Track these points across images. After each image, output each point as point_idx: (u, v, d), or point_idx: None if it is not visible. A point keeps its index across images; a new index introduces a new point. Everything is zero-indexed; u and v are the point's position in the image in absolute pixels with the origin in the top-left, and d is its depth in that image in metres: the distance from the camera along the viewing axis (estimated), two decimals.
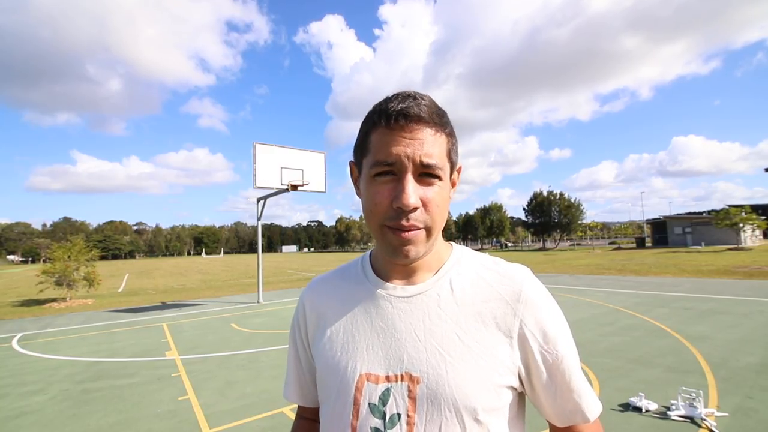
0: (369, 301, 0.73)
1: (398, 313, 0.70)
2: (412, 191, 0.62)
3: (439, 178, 0.65)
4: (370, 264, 0.79)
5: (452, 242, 0.80)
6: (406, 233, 0.64)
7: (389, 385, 0.66)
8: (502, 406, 0.66)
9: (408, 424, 0.63)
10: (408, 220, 0.63)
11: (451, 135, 0.69)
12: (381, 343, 0.69)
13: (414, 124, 0.63)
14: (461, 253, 0.77)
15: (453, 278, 0.72)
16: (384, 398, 0.65)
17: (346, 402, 0.68)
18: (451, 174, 0.71)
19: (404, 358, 0.66)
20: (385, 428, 0.64)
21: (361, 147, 0.70)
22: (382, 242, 0.67)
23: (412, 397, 0.64)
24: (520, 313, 0.68)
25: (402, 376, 0.66)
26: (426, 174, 0.64)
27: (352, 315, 0.74)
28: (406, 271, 0.73)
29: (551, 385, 0.68)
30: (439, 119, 0.66)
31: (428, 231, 0.66)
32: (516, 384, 0.68)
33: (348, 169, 0.77)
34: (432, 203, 0.65)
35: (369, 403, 0.66)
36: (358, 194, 0.73)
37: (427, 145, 0.63)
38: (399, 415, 0.64)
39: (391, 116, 0.63)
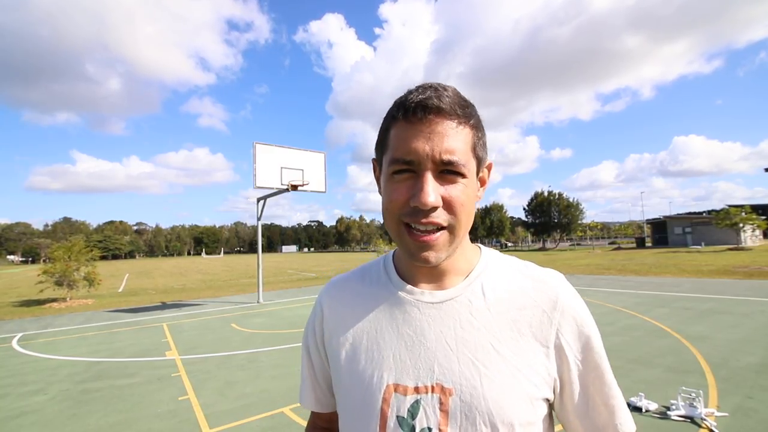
0: (394, 306, 0.68)
1: (427, 320, 0.65)
2: (432, 189, 0.58)
3: (462, 175, 0.60)
4: (393, 265, 0.73)
5: (480, 244, 0.75)
6: (426, 237, 0.60)
7: (419, 397, 0.61)
8: (536, 419, 0.62)
9: None
10: (427, 216, 0.59)
11: (476, 128, 0.63)
12: (409, 352, 0.64)
13: (433, 116, 0.59)
14: (491, 256, 0.72)
15: (485, 283, 0.67)
16: (413, 411, 0.61)
17: (372, 414, 0.63)
18: (479, 170, 0.65)
19: (435, 369, 0.62)
20: None
21: (381, 143, 0.66)
22: (400, 245, 0.63)
23: (444, 410, 0.60)
24: (556, 321, 0.64)
25: (433, 387, 0.61)
26: (448, 171, 0.59)
27: (376, 320, 0.69)
28: (434, 275, 0.68)
29: (583, 399, 0.64)
30: (462, 111, 0.61)
31: (451, 231, 0.61)
32: (551, 396, 0.64)
33: (372, 167, 0.74)
34: (456, 202, 0.60)
35: (397, 416, 0.61)
36: (380, 192, 0.69)
37: (448, 139, 0.59)
38: (429, 429, 0.60)
39: (410, 109, 0.60)
